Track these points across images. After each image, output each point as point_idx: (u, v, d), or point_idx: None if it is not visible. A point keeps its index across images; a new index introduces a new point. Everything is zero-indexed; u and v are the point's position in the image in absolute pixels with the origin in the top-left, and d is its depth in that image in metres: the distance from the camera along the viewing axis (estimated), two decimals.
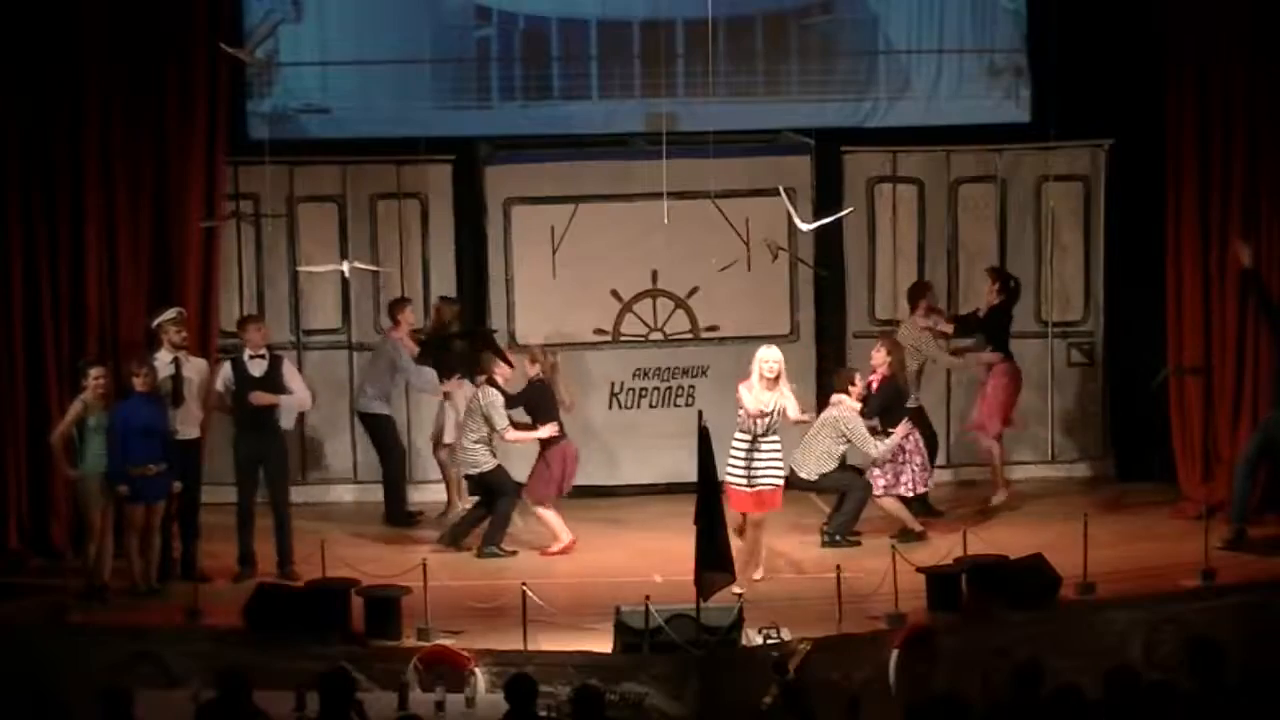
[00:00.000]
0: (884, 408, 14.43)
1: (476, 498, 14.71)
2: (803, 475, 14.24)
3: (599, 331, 16.17)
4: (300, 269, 15.47)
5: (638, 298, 16.26)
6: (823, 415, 14.34)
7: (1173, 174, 15.10)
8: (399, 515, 15.30)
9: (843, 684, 11.35)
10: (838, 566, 12.33)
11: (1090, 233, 16.41)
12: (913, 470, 14.36)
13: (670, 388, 16.28)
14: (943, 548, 13.13)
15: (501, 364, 14.51)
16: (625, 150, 15.98)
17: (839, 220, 14.85)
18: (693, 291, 16.20)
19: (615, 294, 16.21)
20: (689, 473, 12.28)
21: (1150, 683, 9.35)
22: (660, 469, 15.79)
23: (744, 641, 11.68)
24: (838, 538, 14.20)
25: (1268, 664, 10.06)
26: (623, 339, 16.24)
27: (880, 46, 16.09)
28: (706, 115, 15.01)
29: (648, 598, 11.66)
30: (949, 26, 16.03)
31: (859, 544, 14.16)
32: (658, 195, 14.01)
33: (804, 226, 14.00)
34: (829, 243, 15.99)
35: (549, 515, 14.44)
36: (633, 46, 15.85)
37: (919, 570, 12.53)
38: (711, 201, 14.89)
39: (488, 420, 14.29)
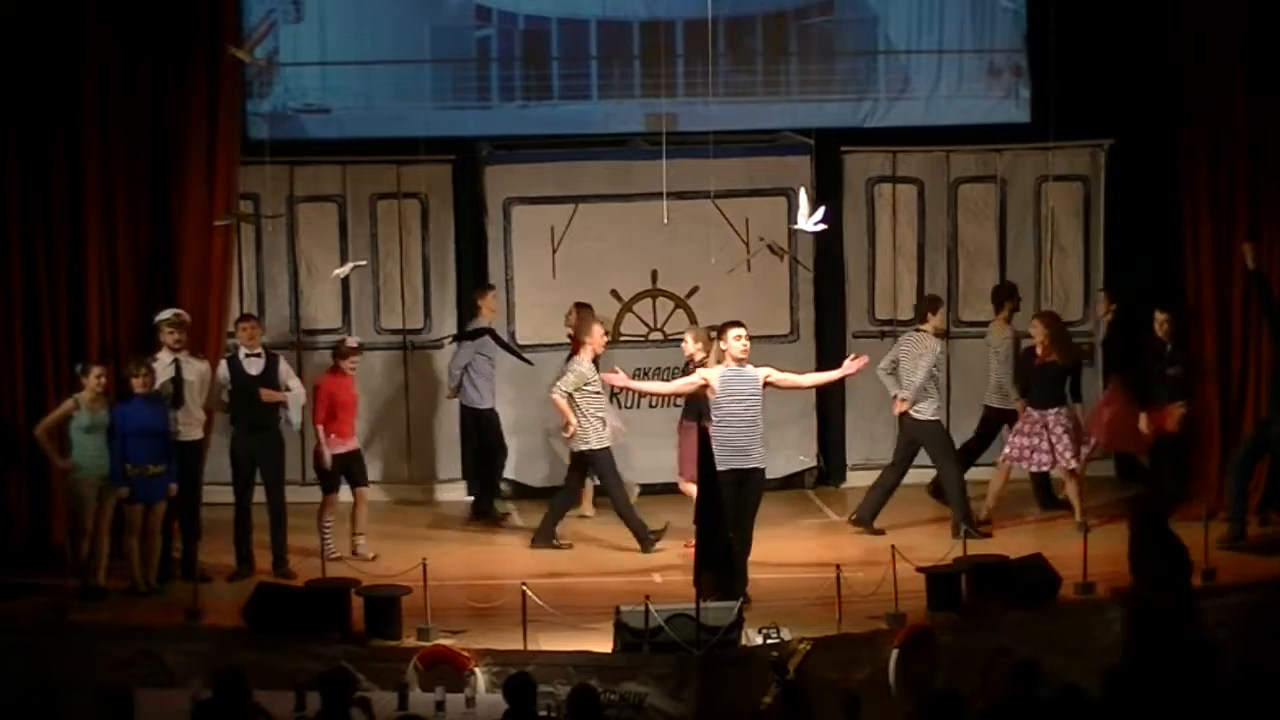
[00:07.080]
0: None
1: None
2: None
3: None
4: (338, 272, 15.20)
5: (638, 298, 16.27)
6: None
7: (1188, 176, 15.03)
8: (488, 508, 15.47)
9: (843, 684, 11.34)
10: (837, 566, 12.33)
11: (1090, 233, 16.40)
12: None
13: None
14: (943, 548, 13.12)
15: (594, 335, 14.50)
16: (625, 150, 15.99)
17: (839, 221, 14.82)
18: (693, 291, 16.19)
19: (615, 294, 16.21)
20: None
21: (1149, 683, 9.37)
22: (660, 469, 15.77)
23: (744, 641, 11.67)
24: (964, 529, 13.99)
25: (1268, 664, 10.07)
26: (623, 339, 16.23)
27: (880, 46, 16.11)
28: (706, 115, 15.03)
29: (648, 598, 11.66)
30: (949, 26, 16.04)
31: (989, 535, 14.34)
32: (658, 195, 14.02)
33: (808, 228, 13.99)
34: (829, 243, 15.98)
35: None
36: (633, 47, 15.86)
37: (919, 570, 12.54)
38: (711, 201, 14.89)
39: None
